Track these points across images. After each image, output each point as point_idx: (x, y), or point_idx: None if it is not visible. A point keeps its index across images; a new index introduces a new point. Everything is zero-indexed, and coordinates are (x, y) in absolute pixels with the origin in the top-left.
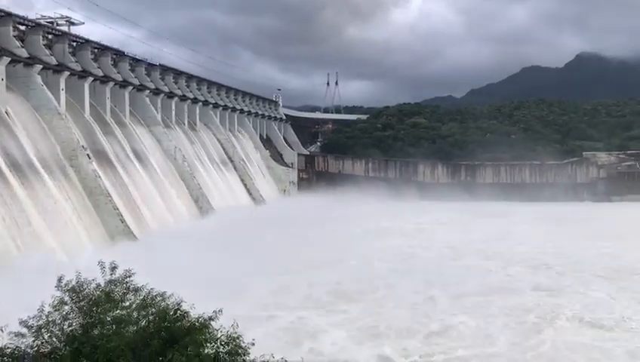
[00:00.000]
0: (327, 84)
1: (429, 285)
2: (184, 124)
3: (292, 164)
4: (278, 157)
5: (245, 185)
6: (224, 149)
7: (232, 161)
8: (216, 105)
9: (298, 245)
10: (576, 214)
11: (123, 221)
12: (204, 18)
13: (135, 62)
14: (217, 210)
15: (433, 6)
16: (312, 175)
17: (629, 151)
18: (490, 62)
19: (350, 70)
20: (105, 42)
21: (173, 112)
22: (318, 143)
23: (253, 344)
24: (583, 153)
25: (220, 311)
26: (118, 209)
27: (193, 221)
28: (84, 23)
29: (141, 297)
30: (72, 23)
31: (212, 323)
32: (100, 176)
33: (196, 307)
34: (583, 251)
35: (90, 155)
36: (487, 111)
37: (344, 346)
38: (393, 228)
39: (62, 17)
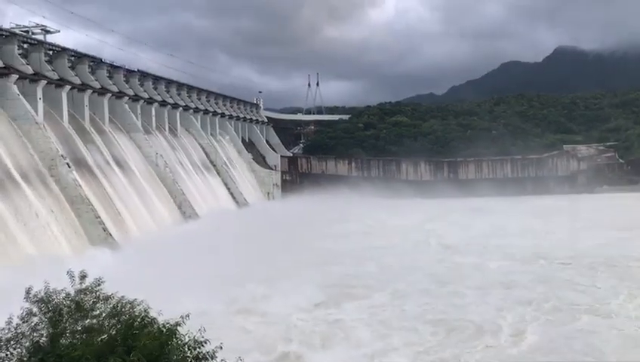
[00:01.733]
0: (309, 85)
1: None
2: (165, 130)
3: (275, 166)
4: (261, 160)
5: (229, 189)
6: (206, 154)
7: (214, 166)
8: (196, 110)
9: (283, 248)
10: (560, 207)
11: (105, 229)
12: (179, 22)
13: (113, 68)
14: (201, 215)
15: (409, 4)
16: (296, 177)
17: (607, 143)
18: (470, 58)
19: (330, 70)
20: (80, 49)
21: (154, 118)
22: (301, 145)
23: (221, 348)
24: (564, 146)
25: (188, 316)
26: (99, 217)
27: (176, 226)
28: (59, 31)
29: (111, 305)
30: (48, 31)
31: (179, 328)
32: (80, 185)
33: (167, 313)
34: (582, 242)
35: (70, 164)
36: (468, 107)
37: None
38: (385, 227)
39: (37, 26)
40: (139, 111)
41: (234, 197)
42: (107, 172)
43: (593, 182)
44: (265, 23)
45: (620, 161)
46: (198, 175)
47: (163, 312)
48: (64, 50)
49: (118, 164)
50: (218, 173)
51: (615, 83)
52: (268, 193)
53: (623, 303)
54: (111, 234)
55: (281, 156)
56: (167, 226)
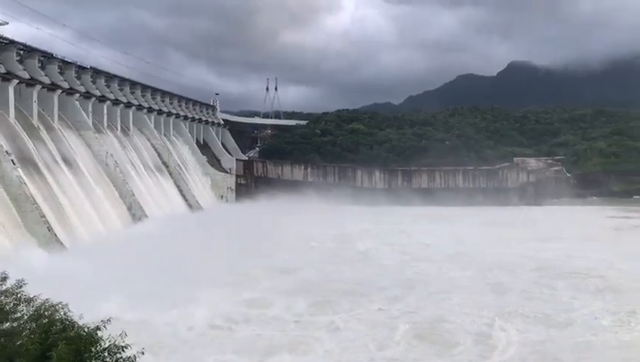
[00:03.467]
0: (267, 89)
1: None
2: (117, 129)
3: (230, 169)
4: (215, 162)
5: (181, 192)
6: (159, 155)
7: (167, 167)
8: (150, 110)
9: (235, 253)
10: (511, 217)
11: (50, 229)
12: (135, 19)
13: (65, 64)
14: (151, 217)
15: (365, 12)
16: (251, 181)
17: (556, 157)
18: (427, 69)
19: (288, 75)
20: (30, 43)
21: (105, 117)
22: (257, 149)
23: (143, 353)
24: (514, 159)
25: (109, 320)
26: (45, 216)
27: (126, 228)
28: (7, 23)
29: (33, 308)
30: None
31: (99, 332)
32: (25, 183)
33: (90, 317)
34: (539, 253)
35: (15, 161)
36: (424, 117)
37: None
38: (340, 234)
39: None
40: (90, 109)
41: (186, 200)
42: (55, 170)
43: (541, 194)
44: (223, 25)
45: (567, 174)
46: (150, 176)
47: (90, 317)
48: (12, 42)
49: (67, 162)
50: (171, 175)
51: (564, 99)
52: (222, 196)
53: (581, 308)
54: (56, 235)
55: (236, 159)
56: (115, 228)
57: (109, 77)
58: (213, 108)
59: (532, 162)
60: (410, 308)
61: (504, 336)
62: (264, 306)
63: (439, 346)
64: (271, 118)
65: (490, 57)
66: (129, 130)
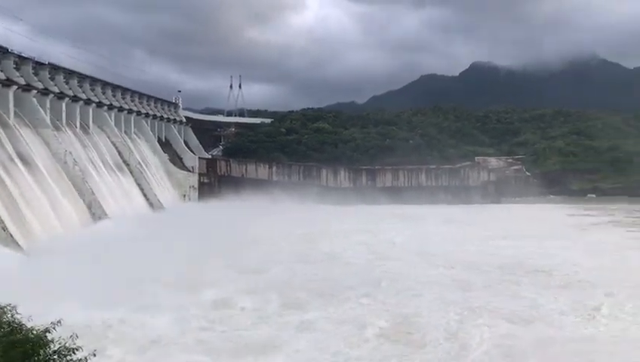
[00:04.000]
0: (231, 86)
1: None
2: (76, 127)
3: (193, 168)
4: (178, 161)
5: (142, 191)
6: (119, 153)
7: (128, 165)
8: (111, 107)
9: (198, 253)
10: (474, 215)
11: (5, 229)
12: (95, 15)
13: (21, 59)
14: (111, 217)
15: (329, 11)
16: (215, 179)
17: (516, 156)
18: (391, 69)
19: (252, 73)
20: None
21: (64, 114)
22: (221, 147)
23: (95, 355)
24: (475, 158)
25: (59, 322)
26: None
27: (85, 228)
28: None
29: None
30: None
31: (49, 335)
32: None
33: (40, 320)
34: (504, 250)
35: None
36: (388, 117)
37: None
38: (305, 233)
39: None
40: (48, 105)
41: (147, 199)
42: (11, 169)
43: (502, 192)
44: (186, 21)
45: (527, 173)
46: (110, 175)
47: (40, 319)
48: None
49: (24, 161)
50: (132, 174)
51: (525, 99)
52: (184, 195)
53: (546, 304)
54: (12, 235)
55: (199, 158)
56: (74, 227)
57: (69, 73)
58: (176, 105)
59: (493, 161)
60: (379, 306)
61: (473, 332)
62: (230, 306)
63: (410, 343)
64: (235, 116)
65: (453, 58)
66: (89, 127)
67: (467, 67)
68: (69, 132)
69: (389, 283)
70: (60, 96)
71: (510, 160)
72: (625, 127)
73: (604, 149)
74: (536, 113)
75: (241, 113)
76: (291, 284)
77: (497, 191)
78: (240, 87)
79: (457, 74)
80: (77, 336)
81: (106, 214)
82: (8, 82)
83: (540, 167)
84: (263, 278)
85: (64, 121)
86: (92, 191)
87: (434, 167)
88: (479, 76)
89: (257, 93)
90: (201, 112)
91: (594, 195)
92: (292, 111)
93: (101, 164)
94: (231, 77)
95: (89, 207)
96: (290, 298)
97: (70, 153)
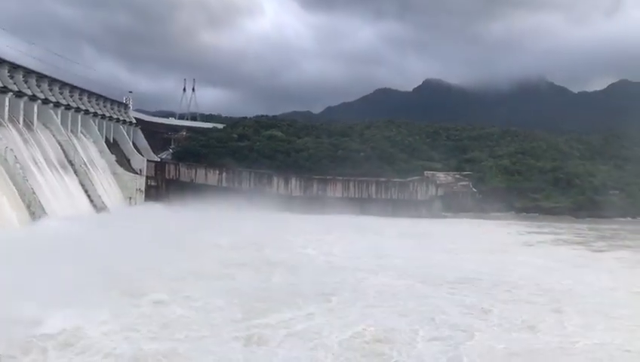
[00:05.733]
0: (184, 89)
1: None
2: (19, 123)
3: (140, 170)
4: (125, 162)
5: (86, 191)
6: (64, 152)
7: (72, 165)
8: (57, 104)
9: (139, 258)
10: (421, 229)
11: None
12: (42, 8)
13: None
14: (53, 217)
15: (285, 19)
16: (162, 183)
17: (464, 173)
18: (346, 80)
19: (205, 77)
20: None
21: (7, 109)
22: (171, 150)
23: None
24: (424, 172)
25: None
26: None
27: (23, 228)
28: None
29: None
30: None
31: None
32: None
33: None
34: (460, 264)
35: None
36: (341, 128)
37: None
38: (254, 242)
39: None
40: None
41: (91, 201)
42: None
43: (449, 207)
44: (139, 19)
45: (474, 189)
46: (54, 174)
47: None
48: None
49: None
50: (76, 174)
51: (474, 117)
52: (130, 198)
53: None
54: None
55: (147, 160)
56: (12, 227)
57: (13, 67)
58: (126, 106)
59: (441, 176)
60: (335, 318)
61: (429, 343)
62: (173, 318)
63: (369, 355)
64: (187, 119)
65: (407, 73)
66: (33, 124)
67: (420, 83)
68: (12, 128)
69: (344, 294)
70: (3, 90)
71: (458, 175)
72: (567, 149)
73: (547, 169)
74: (484, 132)
75: (193, 117)
76: (241, 295)
77: (444, 206)
78: (193, 90)
79: (411, 89)
80: None
81: (46, 214)
82: None
83: (486, 184)
84: (210, 287)
85: (6, 116)
86: (33, 191)
87: (384, 179)
88: (432, 93)
89: (211, 98)
90: (154, 115)
91: (536, 214)
92: (246, 118)
93: (44, 163)
94: (184, 80)
95: (29, 206)
96: (238, 309)
97: (11, 150)
